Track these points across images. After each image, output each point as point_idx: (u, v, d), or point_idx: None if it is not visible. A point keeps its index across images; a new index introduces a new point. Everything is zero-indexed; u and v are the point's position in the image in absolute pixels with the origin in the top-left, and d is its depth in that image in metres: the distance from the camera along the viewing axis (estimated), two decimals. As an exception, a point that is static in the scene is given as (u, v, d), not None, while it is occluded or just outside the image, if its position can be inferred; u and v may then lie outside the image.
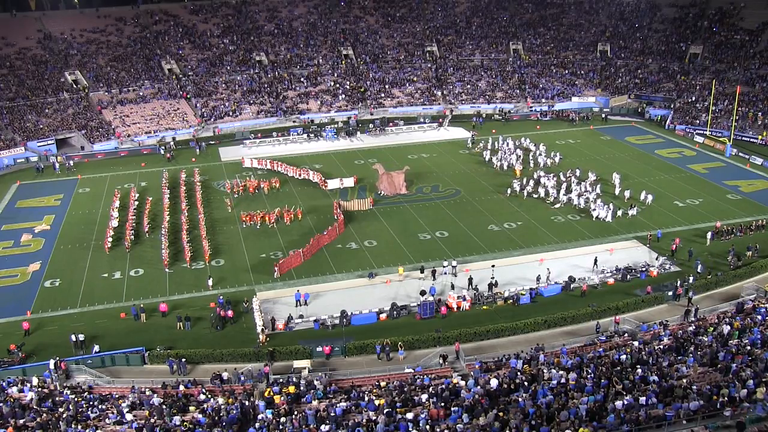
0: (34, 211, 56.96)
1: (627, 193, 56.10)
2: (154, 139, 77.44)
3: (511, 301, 40.62)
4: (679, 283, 40.88)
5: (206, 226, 51.05)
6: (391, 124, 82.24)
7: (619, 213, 52.41)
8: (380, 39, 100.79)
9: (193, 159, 71.07)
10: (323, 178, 61.06)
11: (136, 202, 56.66)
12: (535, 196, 57.26)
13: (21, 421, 26.77)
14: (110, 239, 49.26)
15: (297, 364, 34.49)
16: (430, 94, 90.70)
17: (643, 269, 43.61)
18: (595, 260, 44.47)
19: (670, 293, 40.26)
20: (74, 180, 65.49)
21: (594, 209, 52.86)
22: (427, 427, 24.49)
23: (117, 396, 30.80)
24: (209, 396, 30.56)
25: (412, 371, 32.98)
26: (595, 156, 68.77)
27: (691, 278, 41.47)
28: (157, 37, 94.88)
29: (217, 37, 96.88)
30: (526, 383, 27.91)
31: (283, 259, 45.11)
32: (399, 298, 40.99)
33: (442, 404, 26.72)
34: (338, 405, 27.81)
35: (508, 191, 57.95)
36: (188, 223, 51.59)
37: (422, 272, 43.64)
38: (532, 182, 59.13)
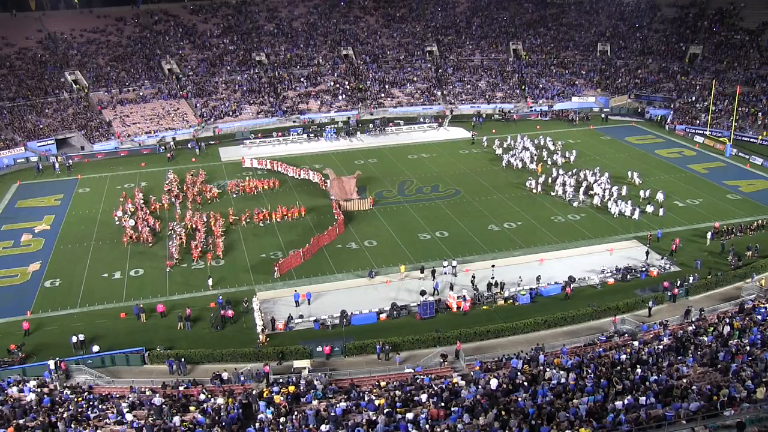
0: (34, 211, 56.95)
1: (642, 193, 56.38)
2: (154, 139, 77.47)
3: (510, 300, 40.67)
4: (678, 283, 40.94)
5: (205, 226, 51.04)
6: (390, 124, 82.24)
7: (638, 210, 52.57)
8: (380, 39, 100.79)
9: (194, 159, 71.08)
10: (323, 178, 61.06)
11: (141, 201, 56.86)
12: (552, 194, 57.47)
13: (21, 422, 26.77)
14: (127, 238, 49.47)
15: (297, 364, 34.50)
16: (430, 94, 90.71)
17: (643, 269, 43.61)
18: (647, 253, 45.17)
19: (668, 294, 40.33)
20: (74, 180, 65.50)
21: (615, 206, 53.11)
22: (427, 427, 24.49)
23: (117, 396, 30.80)
24: (209, 396, 30.55)
25: (412, 371, 32.98)
26: (595, 156, 68.76)
27: (692, 278, 41.51)
28: (157, 37, 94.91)
29: (217, 37, 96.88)
30: (526, 383, 27.91)
31: (283, 259, 45.12)
32: (399, 298, 40.99)
33: (442, 404, 26.71)
34: (338, 405, 27.80)
35: (534, 186, 58.32)
36: (195, 224, 51.47)
37: (422, 272, 43.65)
38: (549, 180, 59.83)
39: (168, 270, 45.22)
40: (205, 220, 52.00)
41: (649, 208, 53.19)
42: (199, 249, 47.08)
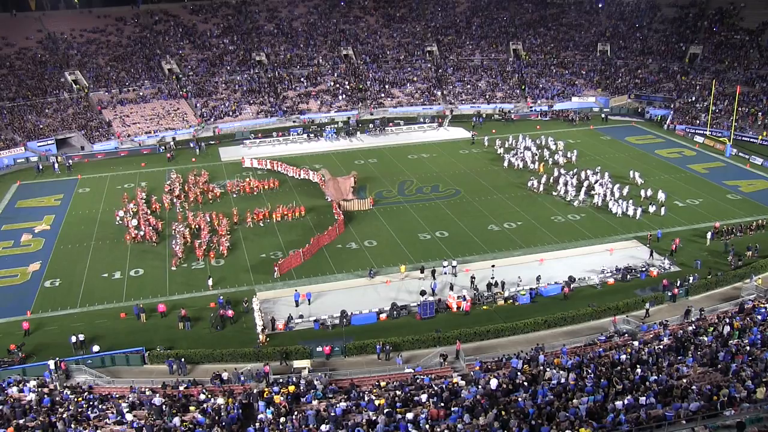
0: (34, 211, 56.94)
1: (643, 192, 56.50)
2: (154, 139, 77.48)
3: (510, 300, 40.68)
4: (678, 283, 40.95)
5: (209, 225, 51.05)
6: (390, 124, 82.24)
7: (639, 210, 52.63)
8: (380, 39, 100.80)
9: (193, 159, 71.07)
10: (322, 179, 61.04)
11: (143, 201, 56.91)
12: (554, 193, 57.50)
13: (21, 421, 26.77)
14: (130, 237, 49.68)
15: (297, 364, 34.52)
16: (430, 94, 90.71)
17: (643, 269, 43.60)
18: (651, 252, 45.56)
19: (669, 294, 40.35)
20: (74, 180, 65.49)
21: (616, 206, 53.19)
22: (427, 427, 24.49)
23: (117, 396, 30.80)
24: (209, 396, 30.55)
25: (412, 371, 32.98)
26: (595, 156, 68.74)
27: (691, 278, 41.51)
28: (157, 37, 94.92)
29: (217, 37, 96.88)
30: (525, 383, 27.91)
31: (283, 259, 45.12)
32: (399, 298, 40.98)
33: (442, 404, 26.71)
34: (338, 405, 27.80)
35: (536, 186, 58.48)
36: (198, 224, 51.48)
37: (422, 272, 43.64)
38: (551, 180, 59.95)
39: (174, 268, 45.34)
40: (209, 219, 52.03)
41: (651, 208, 53.19)
42: (204, 248, 47.20)
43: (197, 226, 51.14)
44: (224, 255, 46.98)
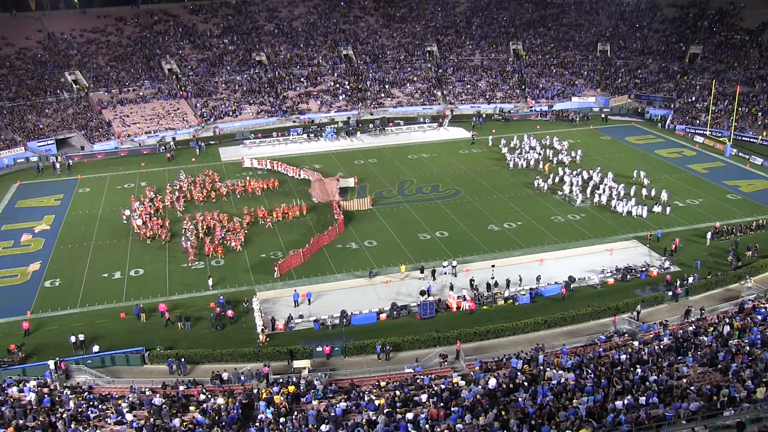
0: (34, 211, 56.96)
1: (645, 191, 56.55)
2: (154, 139, 77.48)
3: (510, 300, 40.68)
4: (678, 283, 40.94)
5: (220, 224, 51.06)
6: (390, 124, 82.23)
7: (645, 209, 52.64)
8: (380, 39, 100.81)
9: (193, 159, 71.07)
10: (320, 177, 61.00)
11: (148, 201, 56.89)
12: (559, 193, 57.54)
13: (21, 421, 26.76)
14: (144, 234, 49.95)
15: (297, 364, 34.52)
16: (430, 94, 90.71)
17: (643, 269, 43.59)
18: (665, 249, 45.69)
19: (670, 293, 40.34)
20: (74, 180, 65.50)
21: (621, 205, 53.20)
22: (427, 427, 24.49)
23: (117, 396, 30.80)
24: (209, 396, 30.54)
25: (412, 371, 32.98)
26: (595, 156, 68.73)
27: (691, 278, 41.50)
28: (157, 37, 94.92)
29: (217, 37, 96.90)
30: (526, 383, 27.91)
31: (283, 259, 45.13)
32: (399, 298, 40.98)
33: (442, 404, 26.72)
34: (338, 405, 27.80)
35: (542, 186, 58.51)
36: (209, 223, 51.50)
37: (422, 272, 43.65)
38: (557, 179, 60.04)
39: (194, 264, 45.55)
40: (218, 219, 52.08)
41: (656, 208, 53.17)
42: (216, 243, 47.52)
43: (207, 226, 51.15)
44: (237, 250, 47.25)
